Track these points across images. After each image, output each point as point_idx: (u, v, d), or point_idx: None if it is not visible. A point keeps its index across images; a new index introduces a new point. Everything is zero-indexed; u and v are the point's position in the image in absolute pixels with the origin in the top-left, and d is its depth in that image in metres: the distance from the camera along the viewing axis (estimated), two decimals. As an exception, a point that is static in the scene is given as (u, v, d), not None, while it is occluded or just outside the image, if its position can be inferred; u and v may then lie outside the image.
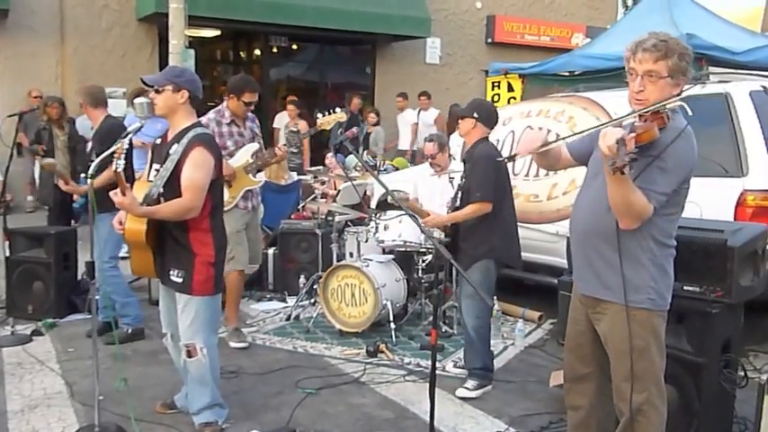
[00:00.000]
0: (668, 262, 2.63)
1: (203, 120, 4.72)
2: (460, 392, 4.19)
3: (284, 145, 5.75)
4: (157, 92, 3.40)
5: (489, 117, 4.34)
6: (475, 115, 4.29)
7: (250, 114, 5.17)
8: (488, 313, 4.35)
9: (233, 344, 4.94)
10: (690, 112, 2.45)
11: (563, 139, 2.86)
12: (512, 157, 3.00)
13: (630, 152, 2.22)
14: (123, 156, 3.16)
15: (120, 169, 3.13)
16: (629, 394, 2.59)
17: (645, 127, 2.37)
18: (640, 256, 2.56)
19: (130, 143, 3.33)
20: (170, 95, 3.39)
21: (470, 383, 4.23)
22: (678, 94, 2.50)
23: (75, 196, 5.49)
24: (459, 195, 4.38)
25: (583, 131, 2.76)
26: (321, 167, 8.14)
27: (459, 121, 4.42)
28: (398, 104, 12.06)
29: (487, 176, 4.15)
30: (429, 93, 11.98)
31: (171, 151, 3.35)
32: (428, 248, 5.33)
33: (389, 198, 4.22)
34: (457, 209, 4.36)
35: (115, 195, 3.15)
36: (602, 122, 2.92)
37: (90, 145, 5.10)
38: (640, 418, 2.61)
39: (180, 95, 3.40)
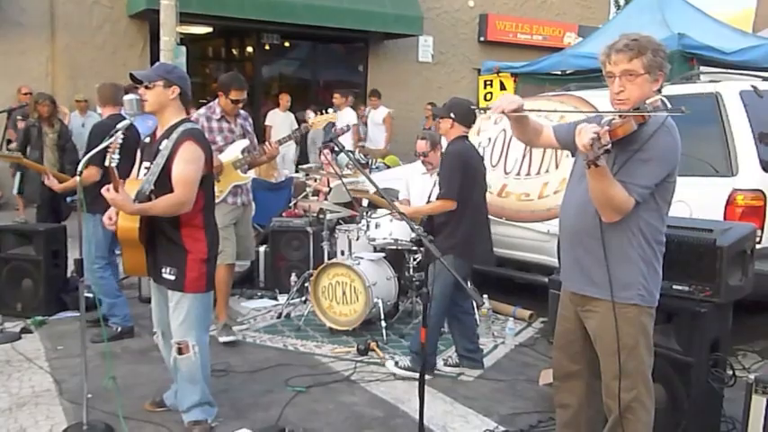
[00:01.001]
0: (657, 259, 2.64)
1: (193, 116, 4.70)
2: (387, 363, 4.47)
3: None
4: (147, 88, 3.37)
5: (466, 116, 4.39)
6: (451, 115, 4.36)
7: (243, 112, 5.16)
8: (438, 305, 4.23)
9: (222, 338, 4.92)
10: (669, 106, 2.47)
11: (539, 111, 2.88)
12: (485, 109, 3.05)
13: (604, 145, 2.26)
14: (117, 151, 3.13)
15: (114, 164, 3.09)
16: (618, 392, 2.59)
17: (621, 121, 2.40)
18: (630, 253, 2.57)
19: (124, 139, 3.28)
20: (161, 91, 3.36)
21: (401, 362, 4.43)
22: (659, 90, 2.53)
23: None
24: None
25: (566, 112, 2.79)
26: (313, 165, 8.12)
27: (439, 121, 4.47)
28: (336, 101, 10.92)
29: (453, 174, 4.23)
30: (379, 92, 11.72)
31: (161, 147, 3.32)
32: (419, 247, 5.33)
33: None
34: None
35: (107, 192, 3.12)
36: (588, 113, 2.95)
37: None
38: (629, 415, 2.62)
39: (171, 91, 3.37)
